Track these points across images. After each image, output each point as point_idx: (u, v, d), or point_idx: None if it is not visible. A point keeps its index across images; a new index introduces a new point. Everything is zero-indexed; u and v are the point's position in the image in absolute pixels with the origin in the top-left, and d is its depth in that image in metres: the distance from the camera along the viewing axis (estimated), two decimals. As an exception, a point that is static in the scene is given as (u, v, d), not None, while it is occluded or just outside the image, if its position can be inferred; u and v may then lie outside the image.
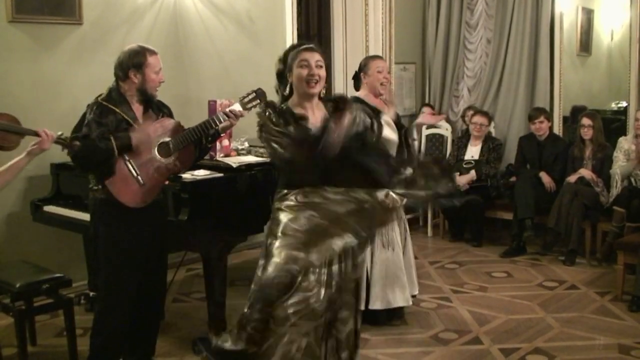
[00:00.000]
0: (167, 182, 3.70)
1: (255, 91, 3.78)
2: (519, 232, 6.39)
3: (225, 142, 4.48)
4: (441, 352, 4.19)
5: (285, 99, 3.31)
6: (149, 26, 5.66)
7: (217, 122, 3.64)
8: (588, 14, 8.20)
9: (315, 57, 3.23)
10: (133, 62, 3.47)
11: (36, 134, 3.21)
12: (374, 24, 7.32)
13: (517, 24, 7.43)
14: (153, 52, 3.54)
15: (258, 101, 3.74)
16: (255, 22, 6.47)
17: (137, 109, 3.53)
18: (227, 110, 3.69)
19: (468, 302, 5.06)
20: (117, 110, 3.44)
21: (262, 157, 4.50)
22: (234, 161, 4.27)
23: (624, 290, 5.09)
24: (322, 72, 3.23)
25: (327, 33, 7.31)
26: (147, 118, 3.53)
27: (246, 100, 3.75)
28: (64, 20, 5.12)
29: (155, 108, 3.61)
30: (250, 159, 4.42)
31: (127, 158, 3.42)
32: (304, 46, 3.29)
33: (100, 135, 3.34)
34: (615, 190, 5.99)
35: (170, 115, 3.69)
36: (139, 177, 3.43)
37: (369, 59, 4.70)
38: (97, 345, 3.59)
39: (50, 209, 4.69)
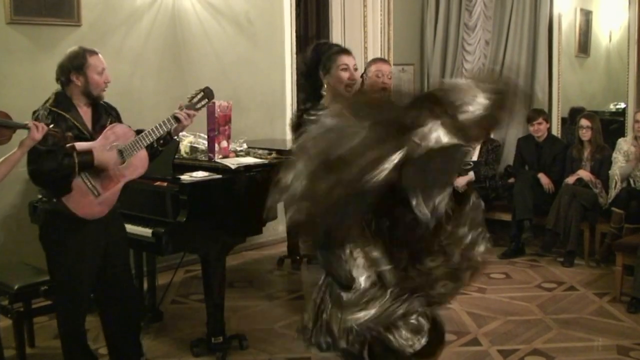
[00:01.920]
0: (165, 184, 3.68)
1: (203, 90, 3.76)
2: (517, 234, 6.40)
3: (224, 143, 4.47)
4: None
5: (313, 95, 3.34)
6: (147, 28, 5.67)
7: (168, 126, 3.58)
8: (586, 15, 8.19)
9: (352, 62, 3.35)
10: (73, 64, 3.37)
11: (26, 127, 3.18)
12: (373, 25, 7.33)
13: (516, 25, 7.44)
14: (94, 53, 3.43)
15: (207, 100, 3.75)
16: (253, 23, 6.47)
17: (85, 112, 3.44)
18: (179, 113, 3.62)
19: (467, 304, 5.05)
20: (68, 116, 3.35)
21: (260, 158, 4.50)
22: (233, 162, 4.26)
23: (622, 292, 5.09)
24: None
25: (326, 35, 7.31)
26: (107, 136, 3.41)
27: (195, 100, 3.73)
28: (62, 22, 5.12)
29: (103, 111, 3.53)
30: (249, 160, 4.41)
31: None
32: (343, 49, 3.38)
33: (64, 151, 3.23)
34: (614, 192, 6.00)
35: (118, 117, 3.62)
36: (95, 189, 3.37)
37: (371, 62, 4.67)
38: (65, 347, 3.58)
39: (48, 210, 4.68)
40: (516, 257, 6.31)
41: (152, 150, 3.64)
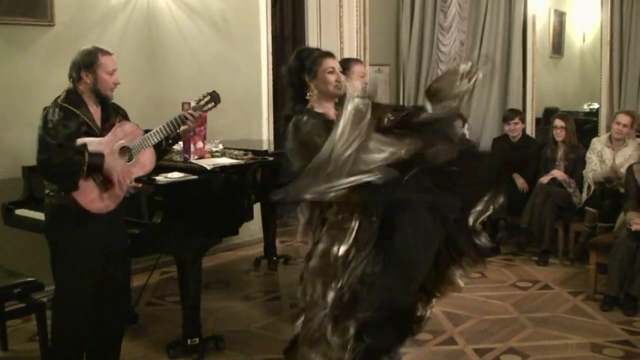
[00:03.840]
0: (140, 185, 3.66)
1: (210, 93, 3.81)
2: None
3: (200, 144, 4.46)
4: (416, 352, 4.19)
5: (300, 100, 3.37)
6: (122, 27, 5.62)
7: (178, 126, 3.63)
8: (560, 16, 8.29)
9: (337, 64, 3.46)
10: (84, 61, 3.41)
11: None
12: (349, 25, 7.35)
13: (490, 26, 7.49)
14: (107, 53, 3.47)
15: (213, 104, 3.79)
16: (229, 23, 6.45)
17: (95, 111, 3.46)
18: (187, 113, 3.67)
19: (442, 303, 5.02)
20: (78, 112, 3.38)
21: (236, 159, 4.48)
22: (208, 163, 4.25)
23: (596, 290, 5.13)
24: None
25: (302, 35, 7.32)
26: (122, 154, 3.46)
27: (202, 103, 3.77)
28: (36, 22, 5.06)
29: (112, 111, 3.55)
30: (225, 160, 4.40)
31: None
32: (326, 52, 3.48)
33: (74, 148, 3.27)
34: (587, 192, 6.05)
35: (125, 117, 3.64)
36: (103, 184, 3.37)
37: (350, 61, 4.65)
38: (57, 352, 3.54)
39: (22, 212, 4.61)
40: (491, 257, 6.34)
41: (161, 149, 3.69)
